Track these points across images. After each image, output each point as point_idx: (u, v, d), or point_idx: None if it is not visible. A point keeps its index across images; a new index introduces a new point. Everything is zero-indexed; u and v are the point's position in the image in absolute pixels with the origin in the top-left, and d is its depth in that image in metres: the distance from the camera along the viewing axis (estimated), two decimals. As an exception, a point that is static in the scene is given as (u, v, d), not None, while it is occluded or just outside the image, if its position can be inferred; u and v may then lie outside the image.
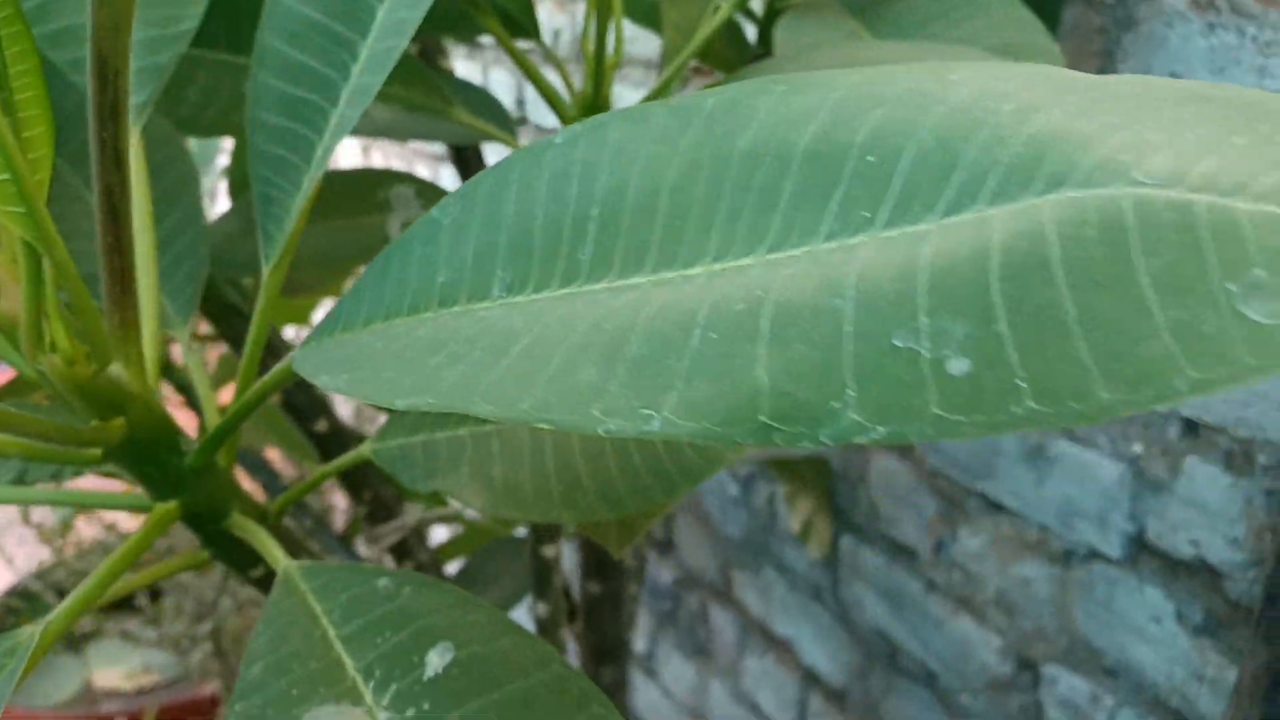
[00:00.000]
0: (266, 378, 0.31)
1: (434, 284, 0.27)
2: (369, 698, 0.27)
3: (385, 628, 0.28)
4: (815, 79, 0.22)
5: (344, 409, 1.39)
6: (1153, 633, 0.71)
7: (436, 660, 0.27)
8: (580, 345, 0.20)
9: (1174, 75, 0.66)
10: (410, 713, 0.26)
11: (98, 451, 0.33)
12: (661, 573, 1.29)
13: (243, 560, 0.37)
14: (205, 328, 0.72)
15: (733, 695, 1.18)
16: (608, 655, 0.76)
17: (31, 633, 0.28)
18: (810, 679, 1.05)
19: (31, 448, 0.31)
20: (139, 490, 0.35)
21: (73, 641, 1.52)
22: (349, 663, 0.28)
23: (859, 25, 0.53)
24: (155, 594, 1.47)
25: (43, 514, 1.35)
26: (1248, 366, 0.13)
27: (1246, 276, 0.14)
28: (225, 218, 0.56)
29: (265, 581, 0.38)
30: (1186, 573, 0.69)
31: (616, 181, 0.24)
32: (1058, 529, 0.77)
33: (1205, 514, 0.67)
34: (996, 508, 0.81)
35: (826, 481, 0.98)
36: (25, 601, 1.40)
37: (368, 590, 0.29)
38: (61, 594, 1.48)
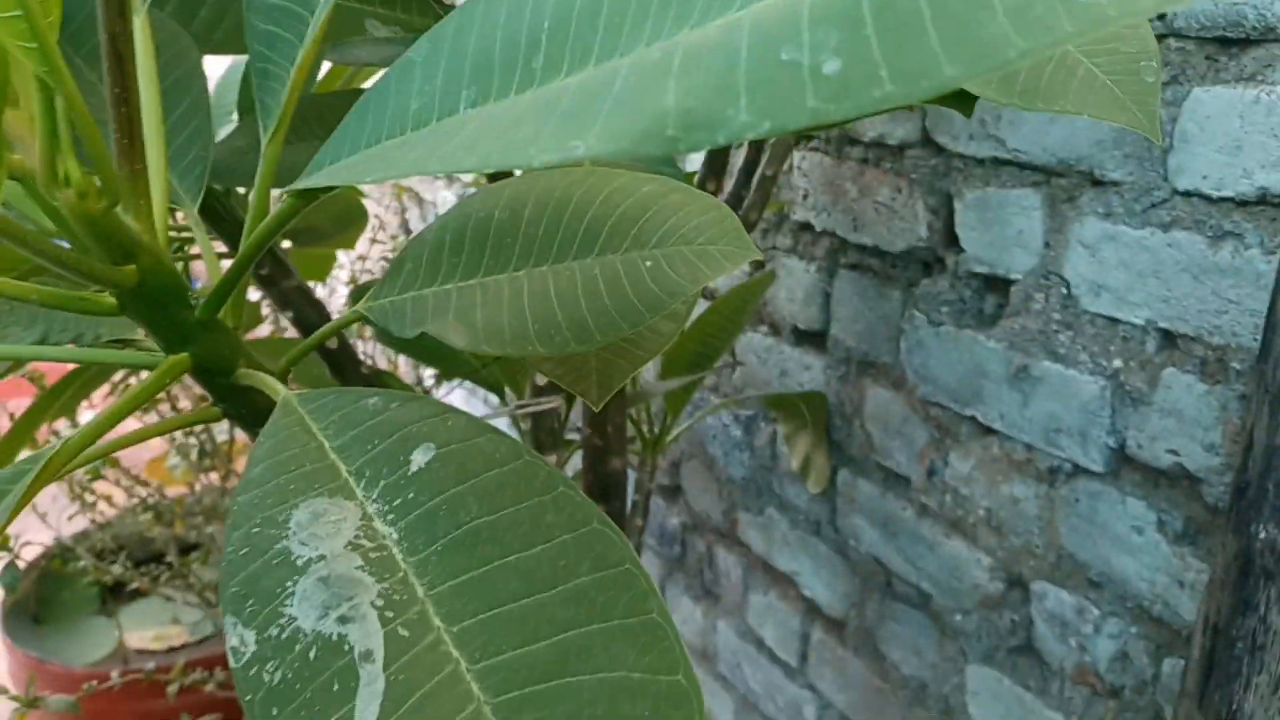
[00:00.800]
0: (269, 219, 0.34)
1: (408, 111, 0.29)
2: (360, 493, 0.30)
3: (374, 436, 0.31)
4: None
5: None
6: (1135, 543, 0.73)
7: (420, 458, 0.30)
8: (520, 115, 0.22)
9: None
10: (397, 502, 0.29)
11: (113, 301, 0.35)
12: (669, 519, 1.31)
13: (252, 416, 0.39)
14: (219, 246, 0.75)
15: (739, 633, 1.21)
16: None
17: (37, 459, 0.31)
18: (812, 611, 1.07)
19: (52, 293, 0.34)
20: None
21: (106, 605, 1.57)
22: (342, 466, 0.30)
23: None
24: (185, 549, 1.51)
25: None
26: (1067, 31, 0.16)
27: (1068, -34, 0.16)
28: (232, 133, 0.58)
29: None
30: (1166, 482, 0.71)
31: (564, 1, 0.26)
32: (1043, 447, 0.79)
33: (1182, 422, 0.69)
34: (985, 431, 0.84)
35: (823, 418, 1.00)
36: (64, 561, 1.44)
37: (358, 409, 0.32)
38: (99, 555, 1.53)
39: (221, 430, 1.52)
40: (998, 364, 0.81)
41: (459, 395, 1.77)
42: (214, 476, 1.58)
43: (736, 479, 1.16)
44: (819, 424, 1.00)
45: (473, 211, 0.38)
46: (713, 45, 0.19)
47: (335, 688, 0.25)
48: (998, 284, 0.81)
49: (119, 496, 1.43)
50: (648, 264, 0.35)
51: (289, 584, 0.27)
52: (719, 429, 1.18)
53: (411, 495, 0.29)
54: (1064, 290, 0.75)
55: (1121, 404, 0.72)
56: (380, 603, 0.27)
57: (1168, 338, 0.69)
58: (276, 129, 0.38)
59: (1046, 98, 0.37)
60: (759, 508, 1.13)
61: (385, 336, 0.76)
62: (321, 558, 0.28)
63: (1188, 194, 0.66)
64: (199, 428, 1.45)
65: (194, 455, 1.43)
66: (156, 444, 1.76)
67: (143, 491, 1.35)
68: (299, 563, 0.28)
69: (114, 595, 1.59)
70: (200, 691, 1.25)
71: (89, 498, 1.33)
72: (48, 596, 1.58)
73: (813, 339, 1.02)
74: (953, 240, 0.84)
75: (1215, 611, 0.61)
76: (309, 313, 0.66)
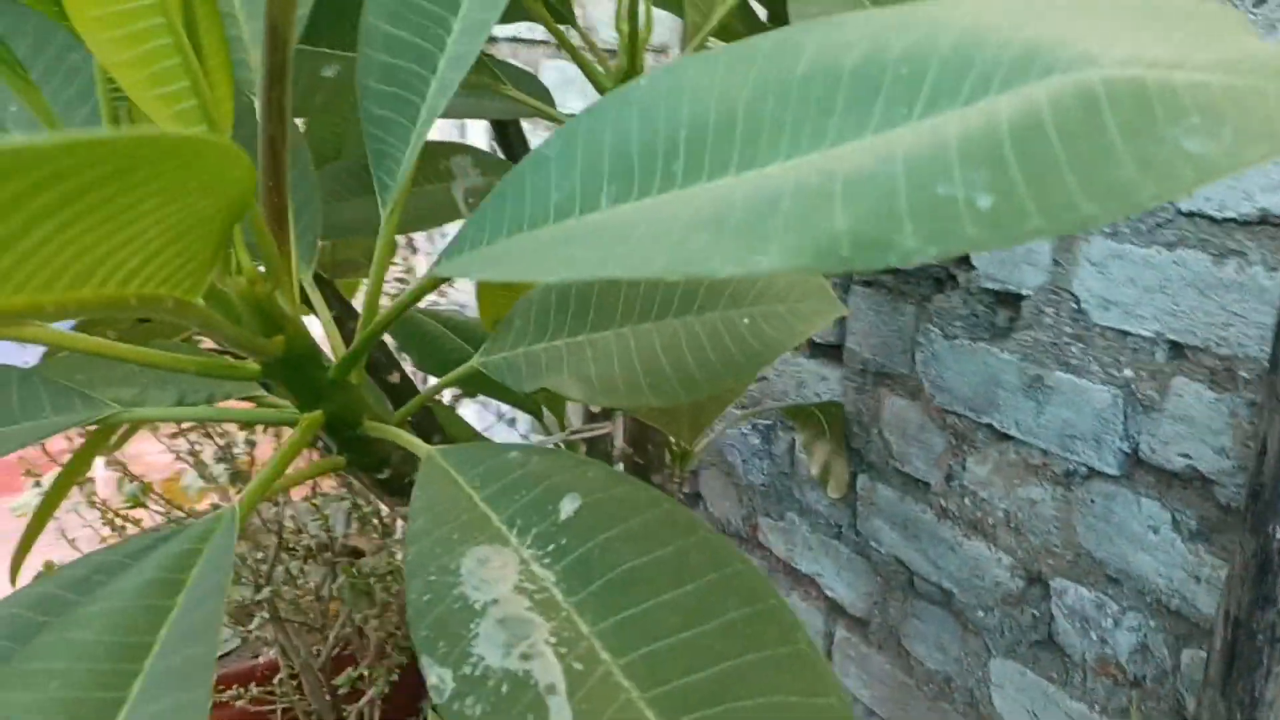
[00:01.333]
0: (412, 288, 0.37)
1: (549, 203, 0.33)
2: (514, 540, 0.33)
3: (520, 488, 0.35)
4: (851, 18, 0.28)
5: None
6: (1151, 541, 0.78)
7: (568, 507, 0.34)
8: (690, 223, 0.26)
9: None
10: (550, 548, 0.33)
11: (257, 367, 0.39)
12: (686, 529, 1.35)
13: (373, 462, 0.43)
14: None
15: (760, 638, 1.25)
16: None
17: (232, 509, 0.35)
18: (835, 610, 1.12)
19: (207, 362, 0.38)
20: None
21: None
22: (493, 516, 0.34)
23: (863, -5, 0.60)
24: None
25: (108, 492, 1.41)
26: (1189, 179, 0.20)
27: (1185, 123, 0.20)
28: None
29: (388, 484, 0.45)
30: (1179, 483, 0.76)
31: (699, 108, 0.30)
32: (1058, 452, 0.83)
33: (1194, 427, 0.73)
34: (1002, 437, 0.88)
35: (841, 427, 1.04)
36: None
37: (500, 461, 0.36)
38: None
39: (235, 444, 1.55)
40: (1012, 374, 0.86)
41: (471, 409, 1.80)
42: (236, 495, 1.61)
43: (756, 485, 1.20)
44: (837, 432, 1.04)
45: (574, 274, 0.42)
46: (870, 175, 0.23)
47: (530, 718, 0.29)
48: (1008, 299, 0.86)
49: (146, 518, 1.46)
50: (745, 321, 0.39)
51: (471, 626, 0.31)
52: (737, 437, 1.22)
53: (564, 542, 0.33)
54: (1074, 305, 0.80)
55: (1134, 410, 0.77)
56: (553, 640, 0.31)
57: (1176, 348, 0.74)
58: (395, 204, 0.41)
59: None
60: (779, 513, 1.17)
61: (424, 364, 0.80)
62: (495, 601, 0.32)
63: (1191, 215, 0.70)
64: (220, 446, 1.47)
65: (222, 476, 1.45)
66: (166, 463, 1.77)
67: (177, 513, 1.38)
68: (476, 606, 0.31)
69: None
70: (231, 708, 1.28)
71: (118, 522, 1.36)
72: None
73: (829, 352, 1.06)
74: (964, 258, 0.88)
75: (1236, 606, 0.66)
76: (377, 354, 0.70)
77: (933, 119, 0.24)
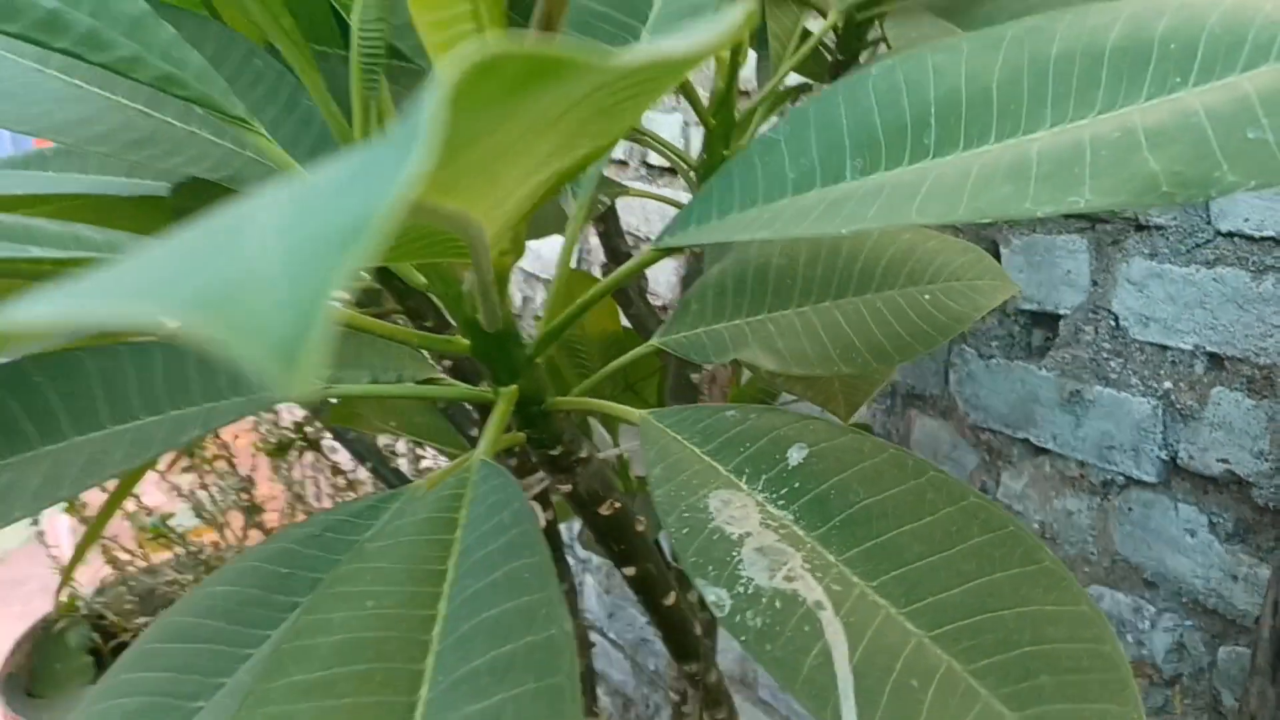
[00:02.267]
0: (629, 264, 0.40)
1: (785, 180, 0.36)
2: (745, 486, 0.36)
3: (744, 441, 0.37)
4: (1100, 6, 0.32)
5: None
6: (1187, 544, 0.82)
7: (795, 455, 0.36)
8: (984, 178, 0.29)
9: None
10: (784, 491, 0.36)
11: (468, 343, 0.41)
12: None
13: (549, 438, 0.45)
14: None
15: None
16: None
17: (479, 458, 0.37)
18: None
19: (425, 336, 0.40)
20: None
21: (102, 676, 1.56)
22: (719, 467, 0.37)
23: (951, 25, 0.64)
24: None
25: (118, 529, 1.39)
26: None
27: None
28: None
29: (558, 460, 0.47)
30: (1215, 487, 0.80)
31: (949, 87, 0.33)
32: (1096, 463, 0.88)
33: (1232, 434, 0.78)
34: (1037, 451, 0.92)
35: (870, 447, 1.08)
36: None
37: (717, 420, 0.38)
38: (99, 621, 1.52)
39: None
40: (1049, 390, 0.90)
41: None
42: (229, 534, 1.59)
43: (775, 510, 1.23)
44: (865, 453, 1.07)
45: (750, 258, 0.45)
46: (1174, 126, 0.27)
47: (806, 628, 0.31)
48: (1045, 319, 0.91)
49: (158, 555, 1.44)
50: (926, 297, 0.42)
51: (733, 554, 0.33)
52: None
53: (797, 485, 0.36)
54: (1112, 322, 0.85)
55: (1173, 420, 0.82)
56: (807, 566, 0.33)
57: (1215, 360, 0.79)
58: (582, 205, 0.44)
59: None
60: (799, 536, 1.20)
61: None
62: (748, 534, 0.34)
63: (1230, 235, 0.76)
64: (224, 481, 1.46)
65: (220, 510, 1.44)
66: (158, 503, 1.75)
67: (180, 549, 1.36)
68: (733, 537, 0.34)
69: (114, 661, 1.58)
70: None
71: (124, 556, 1.34)
72: (41, 668, 1.56)
73: (855, 375, 1.10)
74: (1001, 280, 0.93)
75: (1285, 596, 0.70)
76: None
77: (1209, 84, 0.28)
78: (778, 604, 0.32)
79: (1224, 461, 0.79)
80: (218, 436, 1.25)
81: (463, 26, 0.33)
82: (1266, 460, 0.76)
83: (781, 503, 0.35)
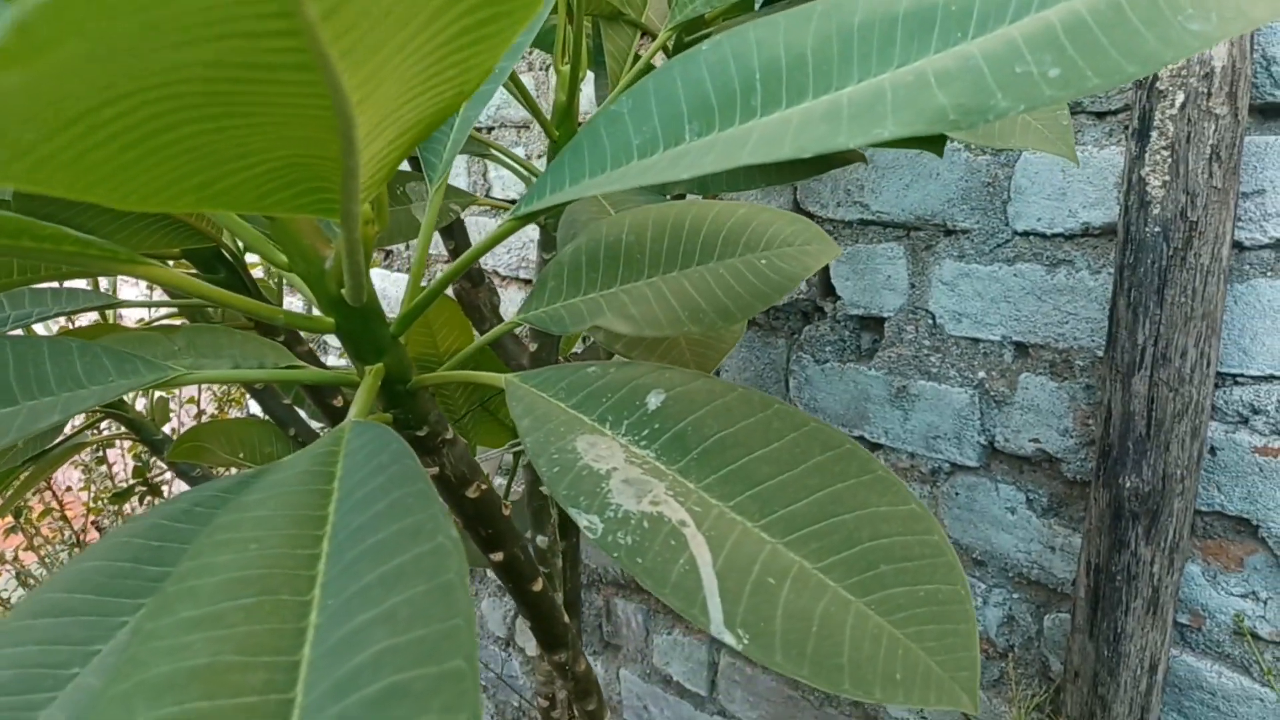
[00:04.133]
0: (485, 238, 0.42)
1: (630, 146, 0.39)
2: (608, 431, 0.39)
3: (605, 392, 0.40)
4: (890, -16, 0.37)
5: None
6: (1009, 521, 0.89)
7: (654, 400, 0.39)
8: (804, 123, 0.33)
9: (978, 81, 0.87)
10: (645, 433, 0.38)
11: (332, 321, 0.43)
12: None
13: (415, 419, 0.47)
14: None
15: (643, 676, 1.28)
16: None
17: (351, 421, 0.38)
18: (717, 640, 1.17)
19: (293, 315, 0.41)
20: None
21: None
22: (584, 417, 0.39)
23: (770, 35, 0.70)
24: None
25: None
26: (1193, 46, 0.29)
27: (1184, 13, 0.30)
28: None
29: (424, 441, 0.49)
30: (1030, 466, 0.88)
31: (769, 56, 0.38)
32: (924, 453, 0.94)
33: (1040, 415, 0.86)
34: (872, 447, 0.98)
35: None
36: None
37: (579, 376, 0.41)
38: None
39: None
40: (880, 388, 0.96)
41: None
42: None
43: (631, 531, 1.26)
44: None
45: (601, 237, 0.48)
46: (956, 69, 0.32)
47: (672, 542, 0.34)
48: (872, 322, 0.97)
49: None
50: (762, 261, 0.46)
51: (602, 485, 0.36)
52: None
53: (657, 426, 0.39)
54: (930, 321, 0.92)
55: (988, 407, 0.89)
56: (670, 493, 0.36)
57: (1021, 349, 0.86)
58: (440, 182, 0.46)
59: (1002, 137, 0.52)
60: (656, 554, 1.23)
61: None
62: (614, 469, 0.37)
63: (1026, 234, 0.84)
64: (53, 543, 1.38)
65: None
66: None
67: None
68: (601, 472, 0.36)
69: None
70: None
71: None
72: None
73: (700, 391, 1.15)
74: (829, 290, 0.99)
75: (1095, 554, 0.77)
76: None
77: (986, 36, 0.33)
78: (645, 525, 0.34)
79: (1035, 441, 0.86)
80: (49, 487, 1.19)
81: None
82: (1071, 437, 0.84)
83: (644, 443, 0.38)
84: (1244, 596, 0.77)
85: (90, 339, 0.49)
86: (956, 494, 0.93)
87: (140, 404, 1.28)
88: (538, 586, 0.59)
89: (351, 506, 0.33)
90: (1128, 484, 0.74)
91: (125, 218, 0.54)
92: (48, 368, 0.43)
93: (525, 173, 0.73)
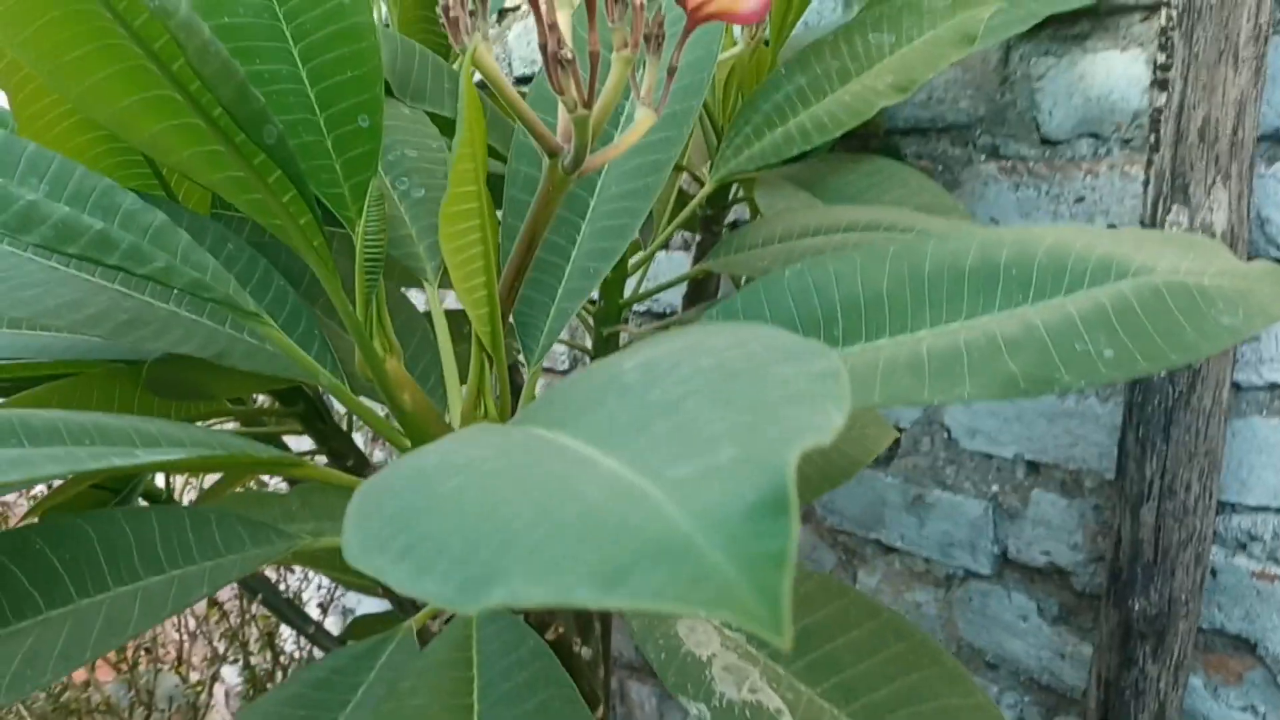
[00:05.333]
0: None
1: (722, 358, 0.45)
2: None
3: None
4: (955, 235, 0.43)
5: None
6: (1021, 628, 0.95)
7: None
8: (889, 369, 0.39)
9: (993, 219, 0.93)
10: (735, 616, 0.44)
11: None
12: (574, 662, 1.42)
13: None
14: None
15: (658, 759, 1.32)
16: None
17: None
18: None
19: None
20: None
21: None
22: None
23: (810, 195, 0.76)
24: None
25: None
26: (1225, 340, 0.35)
27: (1216, 307, 0.35)
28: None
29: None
30: (1041, 577, 0.93)
31: (848, 289, 0.43)
32: (939, 559, 1.00)
33: (1051, 529, 0.91)
34: (888, 550, 1.04)
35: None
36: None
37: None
38: None
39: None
40: (896, 495, 1.02)
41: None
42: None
43: (648, 616, 1.30)
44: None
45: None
46: (1024, 338, 0.37)
47: (772, 730, 0.39)
48: (889, 432, 1.03)
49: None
50: (829, 448, 0.51)
51: (705, 673, 0.41)
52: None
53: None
54: (946, 435, 0.98)
55: (1001, 519, 0.95)
56: (765, 679, 0.41)
57: (1033, 466, 0.92)
58: (538, 360, 0.52)
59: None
60: (673, 639, 1.27)
61: None
62: (713, 655, 0.42)
63: (1038, 360, 0.90)
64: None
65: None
66: None
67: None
68: (703, 659, 0.42)
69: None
70: None
71: None
72: None
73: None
74: (849, 399, 1.05)
75: (1105, 669, 0.83)
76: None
77: (1047, 302, 0.39)
78: (747, 714, 0.40)
79: (1046, 554, 0.92)
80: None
81: (474, 241, 0.41)
82: (1081, 552, 0.90)
83: (734, 626, 0.43)
84: (1244, 709, 0.82)
85: (214, 495, 0.54)
86: (970, 599, 0.98)
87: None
88: (600, 714, 0.64)
89: (496, 700, 0.38)
90: (1136, 606, 0.80)
91: (234, 375, 0.59)
92: (190, 537, 0.48)
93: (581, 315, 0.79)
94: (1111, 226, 0.85)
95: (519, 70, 1.36)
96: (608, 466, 0.20)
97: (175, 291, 0.53)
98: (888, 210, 0.67)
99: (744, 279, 0.79)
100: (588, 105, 0.38)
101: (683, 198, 0.89)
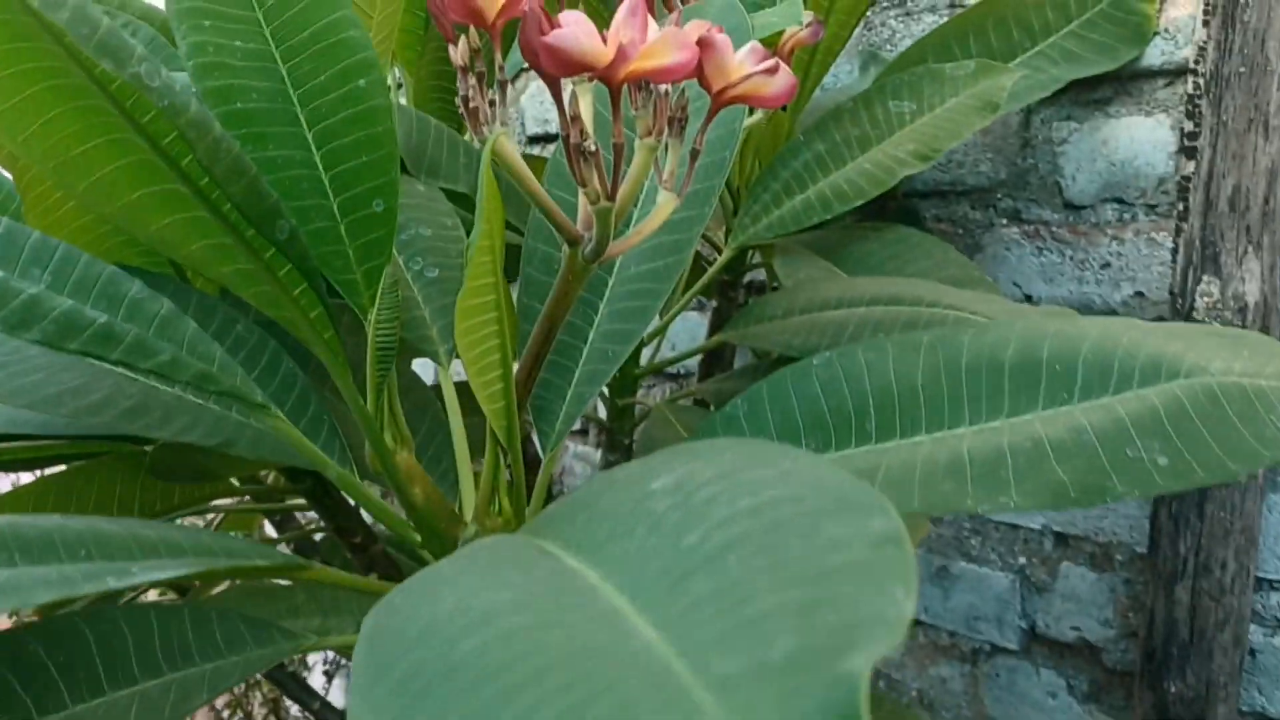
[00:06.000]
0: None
1: (748, 452, 0.43)
2: None
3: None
4: (992, 325, 0.41)
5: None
6: (1050, 705, 0.91)
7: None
8: (929, 472, 0.37)
9: (1016, 284, 0.91)
10: None
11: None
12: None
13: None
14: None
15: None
16: None
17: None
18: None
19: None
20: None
21: None
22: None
23: (831, 264, 0.74)
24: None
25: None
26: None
27: (1275, 410, 0.33)
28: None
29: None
30: (1071, 652, 0.90)
31: (880, 381, 0.41)
32: (965, 633, 0.97)
33: (1080, 604, 0.88)
34: (913, 622, 1.01)
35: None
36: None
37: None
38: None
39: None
40: (920, 566, 0.99)
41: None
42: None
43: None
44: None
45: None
46: (1072, 443, 0.35)
47: None
48: (910, 500, 1.00)
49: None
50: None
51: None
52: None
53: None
54: (970, 504, 0.95)
55: (1029, 592, 0.92)
56: None
57: (1061, 538, 0.89)
58: (556, 444, 0.50)
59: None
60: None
61: None
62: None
63: (1065, 429, 0.88)
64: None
65: None
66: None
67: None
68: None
69: None
70: None
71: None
72: None
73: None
74: (869, 466, 1.03)
75: (1141, 753, 0.79)
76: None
77: (1094, 402, 0.37)
78: None
79: (1076, 629, 0.89)
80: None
81: (490, 335, 0.39)
82: (1112, 627, 0.87)
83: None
84: (1286, 797, 0.79)
85: (209, 582, 0.52)
86: (997, 675, 0.95)
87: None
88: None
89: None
90: (1172, 689, 0.77)
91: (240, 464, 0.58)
92: (190, 637, 0.45)
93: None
94: (1139, 294, 0.84)
95: (531, 129, 1.35)
96: (644, 639, 0.18)
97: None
98: (913, 283, 0.65)
99: (772, 354, 0.77)
100: (610, 197, 0.37)
101: (698, 262, 0.88)
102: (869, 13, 1.03)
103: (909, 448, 0.39)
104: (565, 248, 0.40)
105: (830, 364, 0.43)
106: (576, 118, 0.35)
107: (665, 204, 0.42)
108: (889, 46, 1.02)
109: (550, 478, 0.50)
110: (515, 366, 0.43)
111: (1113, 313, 0.85)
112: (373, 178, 0.45)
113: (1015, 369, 0.39)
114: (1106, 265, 0.86)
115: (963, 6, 0.96)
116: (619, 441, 0.77)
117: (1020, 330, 0.40)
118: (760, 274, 1.04)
